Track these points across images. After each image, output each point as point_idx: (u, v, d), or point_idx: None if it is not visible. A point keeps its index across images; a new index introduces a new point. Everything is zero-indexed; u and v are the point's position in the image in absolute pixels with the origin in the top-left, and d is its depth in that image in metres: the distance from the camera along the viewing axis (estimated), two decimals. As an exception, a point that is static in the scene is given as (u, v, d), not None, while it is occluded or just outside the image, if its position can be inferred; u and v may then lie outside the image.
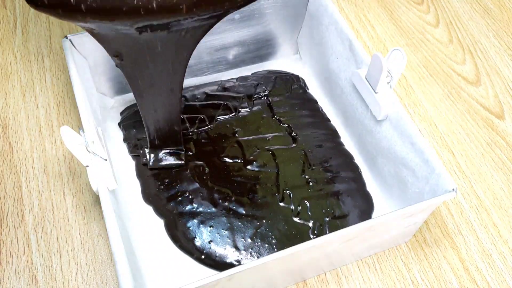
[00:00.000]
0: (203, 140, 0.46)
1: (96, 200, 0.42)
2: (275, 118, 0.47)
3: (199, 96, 0.49)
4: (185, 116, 0.47)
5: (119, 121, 0.46)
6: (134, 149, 0.44)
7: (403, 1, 0.60)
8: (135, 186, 0.42)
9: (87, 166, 0.34)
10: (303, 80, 0.51)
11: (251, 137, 0.46)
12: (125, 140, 0.45)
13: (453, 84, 0.52)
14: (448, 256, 0.40)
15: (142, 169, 0.43)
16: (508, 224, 0.42)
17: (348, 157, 0.45)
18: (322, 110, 0.48)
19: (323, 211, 0.41)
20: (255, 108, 0.48)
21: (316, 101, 0.49)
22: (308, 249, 0.32)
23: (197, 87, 0.49)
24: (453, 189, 0.34)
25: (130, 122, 0.46)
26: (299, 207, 0.41)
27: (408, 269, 0.39)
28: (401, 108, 0.38)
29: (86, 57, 0.43)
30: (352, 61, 0.43)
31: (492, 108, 0.50)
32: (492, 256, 0.40)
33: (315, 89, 0.50)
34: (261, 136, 0.46)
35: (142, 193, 0.42)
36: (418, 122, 0.49)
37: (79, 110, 0.37)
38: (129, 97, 0.48)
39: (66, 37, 0.41)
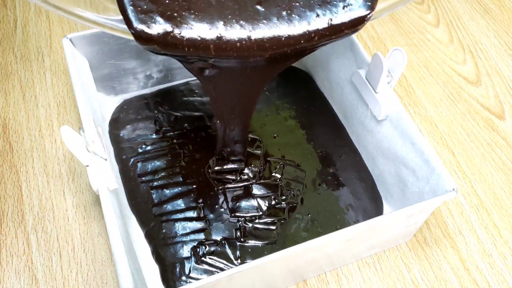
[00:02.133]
0: (198, 139, 0.45)
1: (96, 200, 0.42)
2: (280, 114, 0.47)
3: (197, 91, 0.49)
4: (181, 113, 0.46)
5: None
6: None
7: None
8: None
9: (87, 166, 0.34)
10: (309, 74, 0.51)
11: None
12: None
13: (453, 84, 0.52)
14: (448, 256, 0.40)
15: (128, 177, 0.43)
16: (508, 224, 0.42)
17: (358, 156, 0.45)
18: (331, 106, 0.48)
19: (332, 221, 0.41)
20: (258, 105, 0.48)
21: (324, 97, 0.49)
22: (308, 249, 0.32)
23: (195, 80, 0.49)
24: (453, 189, 0.34)
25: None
26: (309, 215, 0.41)
27: (409, 269, 0.39)
28: (402, 108, 0.38)
29: (86, 56, 0.43)
30: (353, 61, 0.43)
31: (492, 108, 0.50)
32: (493, 256, 0.40)
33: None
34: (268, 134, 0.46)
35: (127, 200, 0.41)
36: (419, 122, 0.49)
37: (79, 109, 0.37)
38: (129, 97, 0.48)
39: (66, 36, 0.41)
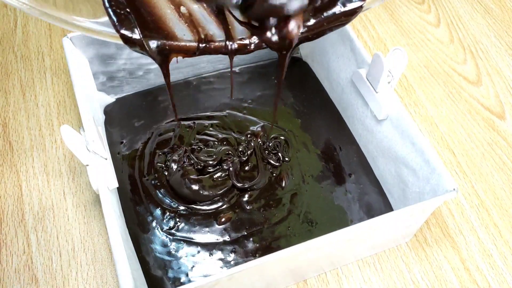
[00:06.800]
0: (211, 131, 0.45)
1: (96, 199, 0.42)
2: (286, 107, 0.47)
3: (195, 82, 0.49)
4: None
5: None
6: None
7: (404, 1, 0.60)
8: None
9: (87, 165, 0.34)
10: (312, 69, 0.51)
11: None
12: None
13: (454, 84, 0.52)
14: (448, 256, 0.40)
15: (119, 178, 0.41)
16: (508, 224, 0.42)
17: (363, 156, 0.45)
18: (334, 104, 0.48)
19: (337, 220, 0.40)
20: (264, 100, 0.48)
21: (327, 94, 0.49)
22: (308, 249, 0.32)
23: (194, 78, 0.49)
24: (454, 189, 0.34)
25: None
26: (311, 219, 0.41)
27: (409, 269, 0.39)
28: (402, 108, 0.38)
29: (86, 56, 0.43)
30: (353, 61, 0.43)
31: (493, 108, 0.50)
32: (493, 256, 0.40)
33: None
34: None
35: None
36: (419, 122, 0.49)
37: (80, 109, 0.37)
38: (129, 96, 0.48)
39: (66, 36, 0.41)
